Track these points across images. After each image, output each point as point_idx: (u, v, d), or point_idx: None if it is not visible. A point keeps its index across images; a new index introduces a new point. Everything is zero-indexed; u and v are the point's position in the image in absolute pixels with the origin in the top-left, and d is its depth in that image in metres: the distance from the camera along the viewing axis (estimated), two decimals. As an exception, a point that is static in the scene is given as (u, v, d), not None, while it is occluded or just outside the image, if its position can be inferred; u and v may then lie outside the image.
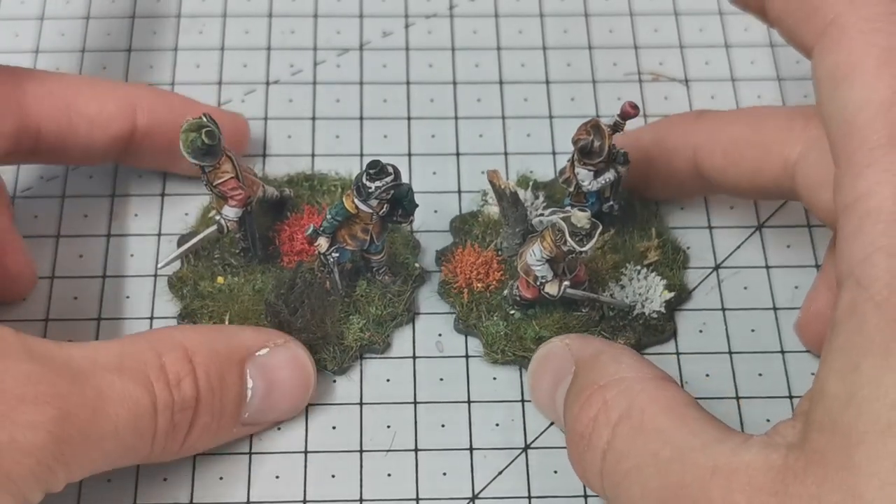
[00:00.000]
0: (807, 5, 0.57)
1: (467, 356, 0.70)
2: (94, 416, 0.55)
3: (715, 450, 0.51)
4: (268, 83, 0.81)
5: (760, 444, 0.51)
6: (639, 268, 0.71)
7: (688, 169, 0.70)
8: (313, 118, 0.79)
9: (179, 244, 0.72)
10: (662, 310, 0.70)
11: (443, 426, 0.67)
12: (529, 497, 0.65)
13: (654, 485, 0.53)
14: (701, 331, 0.71)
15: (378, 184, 0.63)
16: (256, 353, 0.64)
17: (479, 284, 0.70)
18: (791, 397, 0.68)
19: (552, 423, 0.67)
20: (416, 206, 0.66)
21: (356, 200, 0.64)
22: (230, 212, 0.67)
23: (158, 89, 0.77)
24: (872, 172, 0.50)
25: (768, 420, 0.67)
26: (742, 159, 0.66)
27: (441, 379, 0.69)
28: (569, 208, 0.67)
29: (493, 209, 0.72)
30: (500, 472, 0.66)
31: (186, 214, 0.74)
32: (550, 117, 0.79)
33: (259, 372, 0.64)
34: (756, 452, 0.50)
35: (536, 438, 0.67)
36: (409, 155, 0.77)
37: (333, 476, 0.65)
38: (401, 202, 0.65)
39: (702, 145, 0.68)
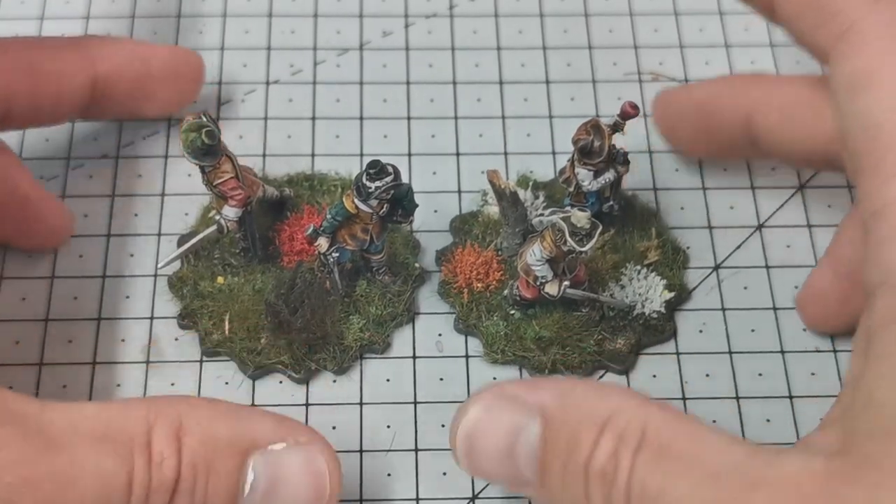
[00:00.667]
0: (823, 9, 0.56)
1: (467, 356, 0.70)
2: (61, 488, 0.51)
3: (749, 466, 0.49)
4: (268, 83, 0.81)
5: (797, 454, 0.49)
6: (639, 268, 0.71)
7: (739, 125, 0.68)
8: (313, 118, 0.79)
9: (179, 244, 0.72)
10: (662, 310, 0.70)
11: (443, 426, 0.67)
12: (529, 497, 0.65)
13: None
14: (701, 331, 0.71)
15: (378, 184, 0.63)
16: (270, 447, 0.56)
17: (479, 284, 0.70)
18: (791, 397, 0.68)
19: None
20: (416, 206, 0.66)
21: (356, 200, 0.64)
22: (230, 212, 0.67)
23: (111, 37, 0.77)
24: None
25: (768, 420, 0.67)
26: (797, 120, 0.65)
27: (441, 379, 0.69)
28: (569, 208, 0.67)
29: (493, 209, 0.72)
30: (500, 472, 0.66)
31: (186, 214, 0.74)
32: (550, 117, 0.79)
33: (266, 468, 0.56)
34: (796, 462, 0.48)
35: (536, 438, 0.67)
36: (409, 155, 0.77)
37: (333, 476, 0.65)
38: (401, 202, 0.65)
39: (758, 103, 0.67)
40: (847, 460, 0.47)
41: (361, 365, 0.69)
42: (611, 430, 0.52)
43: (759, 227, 0.75)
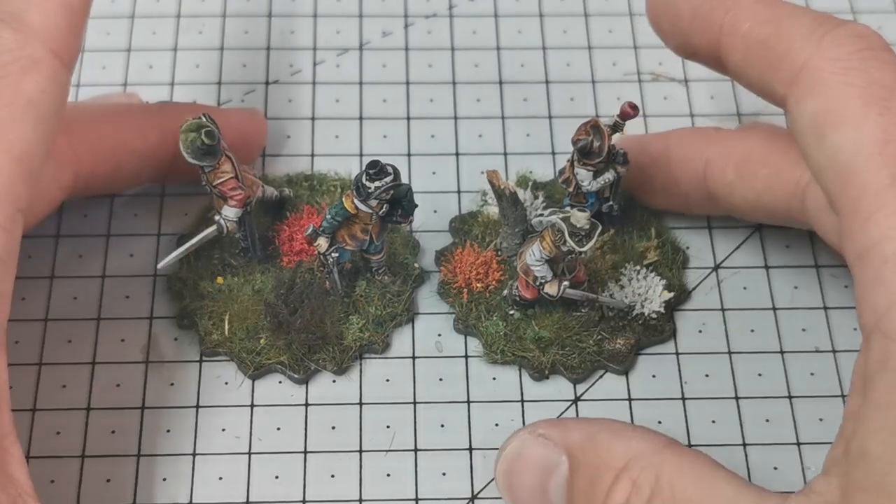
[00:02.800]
0: (771, 54, 0.56)
1: (467, 356, 0.70)
2: None
3: None
4: (267, 83, 0.81)
5: None
6: (638, 268, 0.71)
7: (696, 181, 0.69)
8: (313, 118, 0.79)
9: (179, 244, 0.72)
10: (662, 310, 0.70)
11: (442, 426, 0.67)
12: (529, 497, 0.65)
13: None
14: (700, 331, 0.71)
15: (377, 184, 0.63)
16: None
17: (478, 284, 0.70)
18: (790, 397, 0.68)
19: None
20: (416, 206, 0.66)
21: (356, 200, 0.64)
22: (230, 212, 0.67)
23: (187, 105, 0.76)
24: (883, 217, 0.49)
25: (767, 420, 0.67)
26: (753, 177, 0.65)
27: (441, 379, 0.69)
28: (568, 208, 0.67)
29: (493, 209, 0.72)
30: (499, 472, 0.66)
31: (186, 214, 0.74)
32: (550, 117, 0.79)
33: None
34: None
35: (536, 438, 0.67)
36: (409, 155, 0.77)
37: (333, 476, 0.65)
38: (400, 202, 0.65)
39: (714, 159, 0.68)
40: None
41: (361, 365, 0.69)
42: (625, 478, 0.54)
43: (759, 227, 0.75)
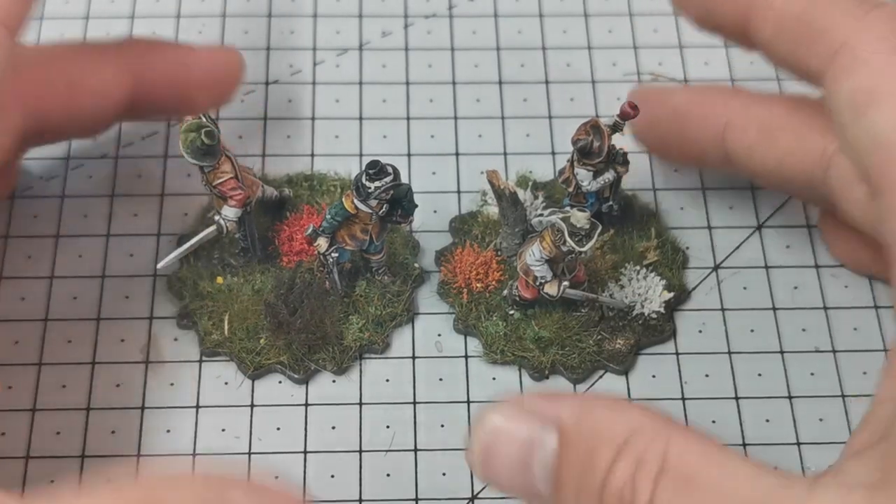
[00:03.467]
0: (807, 30, 0.55)
1: (466, 356, 0.70)
2: None
3: (782, 497, 0.46)
4: (267, 83, 0.81)
5: (835, 486, 0.46)
6: (638, 268, 0.71)
7: (714, 140, 0.67)
8: (312, 118, 0.79)
9: (179, 244, 0.72)
10: (662, 310, 0.70)
11: (442, 426, 0.67)
12: (529, 497, 0.65)
13: None
14: (700, 331, 0.71)
15: (377, 184, 0.63)
16: None
17: (478, 285, 0.70)
18: (790, 397, 0.68)
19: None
20: (416, 206, 0.66)
21: (355, 200, 0.64)
22: (230, 212, 0.67)
23: (148, 41, 0.74)
24: None
25: (768, 420, 0.67)
26: (775, 140, 0.63)
27: (440, 379, 0.69)
28: (568, 208, 0.67)
29: (493, 209, 0.72)
30: (499, 473, 0.66)
31: (186, 214, 0.74)
32: (550, 117, 0.79)
33: None
34: (835, 495, 0.46)
35: (536, 438, 0.67)
36: (409, 155, 0.77)
37: (333, 476, 0.65)
38: (400, 202, 0.65)
39: (735, 119, 0.66)
40: (891, 495, 0.45)
41: (361, 365, 0.69)
42: (629, 453, 0.49)
43: (759, 227, 0.75)
